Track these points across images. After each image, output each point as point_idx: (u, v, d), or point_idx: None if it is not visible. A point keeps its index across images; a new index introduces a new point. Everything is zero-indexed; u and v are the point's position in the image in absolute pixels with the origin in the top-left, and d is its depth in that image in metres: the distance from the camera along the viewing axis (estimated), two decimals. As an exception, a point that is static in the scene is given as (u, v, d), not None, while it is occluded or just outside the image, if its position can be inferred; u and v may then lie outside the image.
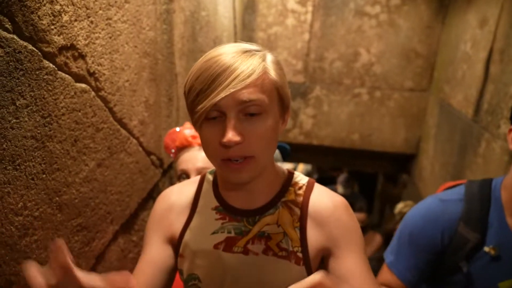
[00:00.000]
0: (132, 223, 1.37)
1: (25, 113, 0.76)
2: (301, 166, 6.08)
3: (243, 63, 0.72)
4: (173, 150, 1.32)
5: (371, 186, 5.95)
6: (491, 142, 2.17)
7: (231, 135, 0.70)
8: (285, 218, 0.83)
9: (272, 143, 0.77)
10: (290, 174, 0.88)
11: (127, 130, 1.24)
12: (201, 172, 1.20)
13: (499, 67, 2.18)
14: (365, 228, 4.28)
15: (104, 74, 1.05)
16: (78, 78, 0.94)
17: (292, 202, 0.84)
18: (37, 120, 0.79)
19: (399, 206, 2.88)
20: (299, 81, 3.48)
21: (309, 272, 0.80)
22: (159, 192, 1.63)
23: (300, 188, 0.86)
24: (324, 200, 0.83)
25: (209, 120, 0.73)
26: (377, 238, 3.89)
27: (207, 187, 0.90)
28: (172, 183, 1.81)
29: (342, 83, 3.45)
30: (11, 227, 0.74)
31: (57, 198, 0.88)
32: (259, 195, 0.84)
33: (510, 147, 1.24)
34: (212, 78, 0.71)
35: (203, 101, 0.71)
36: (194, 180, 0.94)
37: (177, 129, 1.34)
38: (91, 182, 1.03)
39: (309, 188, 0.86)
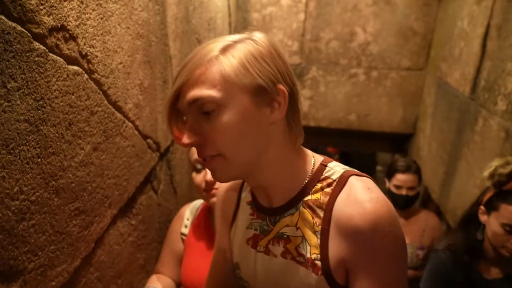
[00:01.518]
0: (131, 207, 1.37)
1: (17, 96, 0.74)
2: None
3: (193, 59, 0.68)
4: None
5: (369, 166, 5.99)
6: (488, 119, 2.17)
7: (185, 138, 0.69)
8: (305, 220, 0.74)
9: (245, 138, 0.69)
10: (322, 167, 0.76)
11: (122, 113, 1.22)
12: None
13: (496, 43, 2.16)
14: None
15: (96, 56, 1.03)
16: (70, 60, 0.92)
17: (314, 203, 0.74)
18: (30, 103, 0.78)
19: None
20: (295, 62, 3.45)
21: (331, 283, 0.71)
22: (156, 176, 1.62)
23: (329, 185, 0.73)
24: (352, 205, 0.69)
25: (184, 122, 0.72)
26: None
27: None
28: (169, 167, 1.80)
29: (339, 64, 3.42)
30: (8, 212, 0.73)
31: (53, 182, 0.87)
32: (277, 193, 0.77)
33: None
34: (174, 78, 0.71)
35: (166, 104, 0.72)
36: None
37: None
38: (88, 166, 1.02)
39: (340, 184, 0.72)
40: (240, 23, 3.42)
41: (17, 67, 0.73)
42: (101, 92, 1.08)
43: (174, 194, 1.88)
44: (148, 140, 1.47)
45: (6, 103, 0.71)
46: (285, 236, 0.77)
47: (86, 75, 0.99)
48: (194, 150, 1.25)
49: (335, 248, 0.70)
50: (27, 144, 0.78)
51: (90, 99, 1.02)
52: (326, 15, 3.32)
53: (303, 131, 0.77)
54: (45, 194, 0.85)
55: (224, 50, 0.68)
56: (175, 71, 1.79)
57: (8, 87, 0.72)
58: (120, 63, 1.18)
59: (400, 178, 2.23)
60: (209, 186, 1.29)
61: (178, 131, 0.74)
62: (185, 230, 1.46)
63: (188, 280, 1.37)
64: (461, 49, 2.63)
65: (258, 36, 0.72)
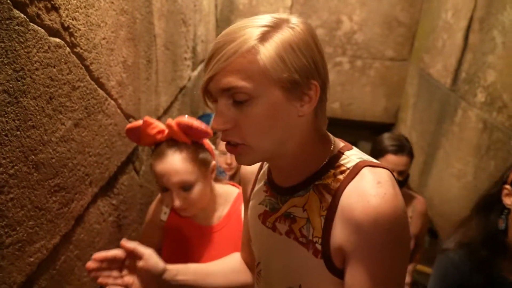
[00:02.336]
0: (112, 187, 1.35)
1: (-4, 65, 0.72)
2: None
3: (230, 43, 0.65)
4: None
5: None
6: (467, 111, 2.22)
7: (215, 123, 0.68)
8: (312, 203, 0.74)
9: (271, 130, 0.68)
10: (339, 154, 0.76)
11: (105, 90, 1.20)
12: (180, 185, 1.17)
13: (478, 36, 2.20)
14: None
15: (79, 29, 1.00)
16: (52, 32, 0.89)
17: (325, 187, 0.74)
18: (9, 73, 0.75)
19: None
20: (280, 48, 3.43)
21: (330, 268, 0.72)
22: (138, 156, 1.60)
23: (342, 172, 0.73)
24: (358, 196, 0.68)
25: (215, 103, 0.71)
26: None
27: None
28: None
29: (324, 52, 3.43)
30: (-15, 184, 0.71)
31: (33, 157, 0.85)
32: (292, 174, 0.78)
33: None
34: (208, 58, 0.68)
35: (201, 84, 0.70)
36: None
37: (140, 121, 1.21)
38: (68, 142, 1.00)
39: (352, 173, 0.71)
40: (227, 6, 3.37)
41: (-4, 35, 0.71)
42: (83, 67, 1.05)
43: (156, 176, 1.87)
44: (131, 120, 1.45)
45: (-16, 72, 0.69)
46: (291, 216, 0.78)
47: (68, 48, 0.96)
48: (158, 172, 1.18)
49: (337, 234, 0.70)
50: (5, 115, 0.76)
51: (72, 74, 0.99)
52: (313, 2, 3.31)
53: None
54: (24, 168, 0.83)
55: (263, 38, 0.66)
56: (159, 51, 1.76)
57: (-13, 55, 0.69)
58: (103, 39, 1.15)
59: (392, 160, 1.82)
60: (180, 210, 1.23)
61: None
62: (165, 217, 1.39)
63: None
64: (444, 41, 2.67)
65: (297, 22, 0.69)
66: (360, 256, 0.67)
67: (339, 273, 0.72)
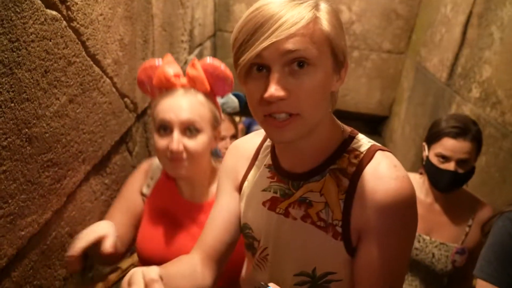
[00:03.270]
0: (105, 165, 1.35)
1: (-9, 34, 0.70)
2: None
3: (290, 11, 0.64)
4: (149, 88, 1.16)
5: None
6: (461, 105, 2.23)
7: (273, 90, 0.65)
8: (330, 187, 0.76)
9: (322, 101, 0.70)
10: (351, 138, 0.79)
11: (101, 68, 1.18)
12: (186, 125, 1.07)
13: (476, 31, 2.20)
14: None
15: (76, 3, 0.98)
16: (48, 4, 0.87)
17: (341, 171, 0.76)
18: (4, 43, 0.74)
19: None
20: (278, 36, 3.41)
21: (348, 249, 0.75)
22: (132, 137, 1.60)
23: (356, 156, 0.76)
24: (377, 179, 0.71)
25: (253, 73, 0.68)
26: None
27: (268, 143, 0.89)
28: (146, 130, 1.77)
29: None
30: (-22, 155, 0.71)
31: (26, 130, 0.84)
32: (307, 159, 0.78)
33: None
34: (255, 28, 0.65)
35: (245, 52, 0.66)
36: (263, 132, 0.90)
37: (156, 62, 1.14)
38: (63, 118, 0.99)
39: (367, 157, 0.74)
40: (225, -10, 3.34)
41: (-8, 3, 0.69)
42: (79, 42, 1.04)
43: (149, 157, 1.86)
44: (126, 99, 1.44)
45: (-21, 40, 0.68)
46: (307, 201, 0.79)
47: (64, 22, 0.95)
48: (162, 107, 1.07)
49: (356, 216, 0.73)
50: (0, 86, 0.74)
51: (68, 48, 0.98)
52: (312, -10, 3.28)
53: None
54: (17, 141, 0.82)
55: (319, 9, 0.67)
56: (156, 31, 1.74)
57: (-18, 23, 0.68)
58: (101, 15, 1.13)
59: (449, 145, 1.43)
60: (175, 155, 1.08)
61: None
62: (147, 191, 1.25)
63: (146, 250, 1.18)
64: (442, 35, 2.67)
65: (325, 3, 0.70)
66: (380, 234, 0.71)
67: (353, 252, 0.76)
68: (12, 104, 0.79)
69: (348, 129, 0.81)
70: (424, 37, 3.03)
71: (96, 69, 1.16)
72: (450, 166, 1.42)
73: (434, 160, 1.47)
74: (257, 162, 0.90)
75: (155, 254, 1.16)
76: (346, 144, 0.78)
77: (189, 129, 1.08)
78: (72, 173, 1.08)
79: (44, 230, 0.98)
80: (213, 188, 1.22)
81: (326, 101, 0.72)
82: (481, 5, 2.20)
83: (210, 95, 1.15)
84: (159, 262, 1.08)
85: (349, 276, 0.78)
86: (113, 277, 1.20)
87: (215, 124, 1.15)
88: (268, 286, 0.63)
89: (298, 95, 0.67)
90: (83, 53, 1.06)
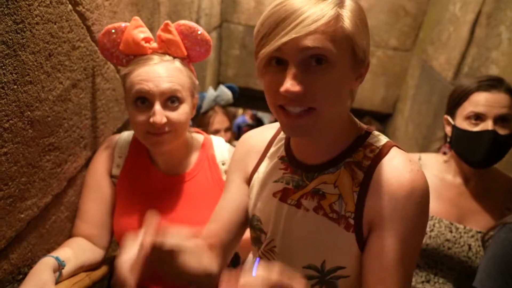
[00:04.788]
0: (106, 152, 1.34)
1: (-4, 14, 0.70)
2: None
3: (313, 7, 0.65)
4: (115, 53, 1.05)
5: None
6: (466, 105, 2.22)
7: (289, 84, 0.67)
8: (344, 180, 0.77)
9: (338, 97, 0.71)
10: (367, 133, 0.80)
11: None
12: (168, 96, 0.99)
13: (485, 30, 2.18)
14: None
15: (82, -13, 0.98)
16: (55, -13, 0.87)
17: (356, 165, 0.77)
18: (9, 24, 0.74)
19: None
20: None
21: (359, 241, 0.76)
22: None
23: (372, 151, 0.77)
24: (392, 172, 0.73)
25: (272, 66, 0.70)
26: None
27: (282, 135, 0.90)
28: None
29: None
30: (-21, 135, 0.71)
31: (28, 113, 0.84)
32: (322, 152, 0.80)
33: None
34: (277, 22, 0.66)
35: (266, 46, 0.68)
36: (276, 125, 0.92)
37: (123, 24, 1.03)
38: (65, 102, 0.98)
39: (383, 152, 0.76)
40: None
41: (-3, -17, 0.69)
42: (84, 27, 1.03)
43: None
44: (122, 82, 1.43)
45: (-16, 20, 0.67)
46: (320, 192, 0.80)
47: (70, 5, 0.94)
48: (138, 76, 0.99)
49: (369, 208, 0.74)
50: (3, 67, 0.74)
51: (73, 32, 0.97)
52: (321, -16, 3.25)
53: None
54: (19, 123, 0.82)
55: (342, 6, 0.67)
56: (162, 19, 1.73)
57: (-13, 3, 0.67)
58: (107, 0, 1.13)
59: (482, 99, 1.15)
60: (157, 129, 1.00)
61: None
62: (117, 171, 1.13)
63: (127, 233, 1.07)
64: (450, 34, 2.65)
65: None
66: (393, 225, 0.72)
67: (363, 247, 0.77)
68: (15, 86, 0.78)
69: (365, 126, 0.83)
70: (431, 35, 3.00)
71: (101, 55, 1.15)
72: (487, 125, 1.13)
73: (465, 124, 1.18)
74: (268, 154, 0.90)
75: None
76: (362, 139, 0.79)
77: (171, 100, 1.00)
78: (73, 158, 1.07)
79: (44, 213, 0.98)
80: (192, 158, 1.16)
81: (343, 98, 0.73)
82: (490, 4, 2.17)
83: (186, 61, 1.08)
84: None
85: (357, 273, 0.78)
86: (97, 273, 1.09)
87: (194, 91, 1.09)
88: (258, 259, 0.63)
89: (314, 91, 0.68)
90: (88, 38, 1.06)
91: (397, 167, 0.73)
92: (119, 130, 1.40)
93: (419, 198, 0.72)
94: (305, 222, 0.81)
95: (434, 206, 1.24)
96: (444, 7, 2.84)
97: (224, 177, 1.14)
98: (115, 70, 1.28)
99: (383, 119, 3.74)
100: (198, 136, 1.22)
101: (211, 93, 2.02)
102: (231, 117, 1.76)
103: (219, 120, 1.73)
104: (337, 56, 0.67)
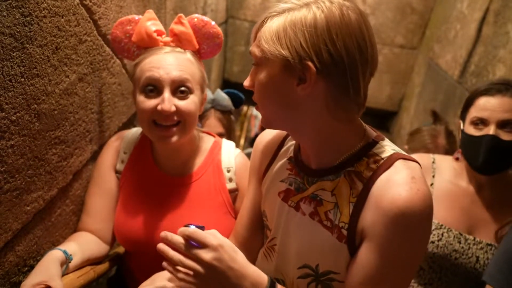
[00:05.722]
0: (111, 146, 1.35)
1: (4, 6, 0.70)
2: None
3: (260, 17, 0.76)
4: (126, 45, 1.05)
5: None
6: (473, 104, 2.20)
7: (246, 80, 0.80)
8: (342, 189, 0.76)
9: (269, 98, 0.76)
10: (374, 143, 0.77)
11: (111, 48, 1.18)
12: (178, 84, 0.97)
13: (492, 29, 2.17)
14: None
15: (90, -19, 0.98)
16: (62, -20, 0.87)
17: (357, 175, 0.75)
18: (17, 17, 0.74)
19: None
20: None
21: (352, 252, 0.74)
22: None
23: (376, 162, 0.74)
24: (390, 187, 0.69)
25: None
26: None
27: None
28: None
29: (364, 40, 3.40)
30: (-13, 127, 0.71)
31: (35, 106, 0.84)
32: (318, 157, 0.79)
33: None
34: None
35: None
36: None
37: (136, 17, 1.03)
38: (72, 96, 0.99)
39: (386, 164, 0.72)
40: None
41: (5, -25, 0.69)
42: (91, 21, 1.03)
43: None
44: (131, 73, 1.43)
45: (-8, 12, 0.67)
46: (318, 198, 0.79)
47: (77, -1, 0.94)
48: (148, 64, 0.98)
49: (363, 221, 0.72)
50: (11, 60, 0.74)
51: (80, 26, 0.97)
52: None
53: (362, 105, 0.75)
54: (26, 116, 0.82)
55: (280, 12, 0.72)
56: (168, 14, 1.73)
57: (-5, -5, 0.67)
58: (114, -6, 1.13)
59: (484, 103, 1.14)
60: (164, 118, 0.98)
61: None
62: (122, 167, 1.13)
63: (124, 232, 1.09)
64: (457, 32, 2.63)
65: (325, 2, 0.69)
66: (380, 240, 0.69)
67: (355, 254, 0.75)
68: (22, 79, 0.79)
69: (374, 133, 0.80)
70: (438, 32, 2.98)
71: (107, 49, 1.15)
72: (489, 130, 1.11)
73: (470, 129, 1.17)
74: (280, 153, 0.91)
75: (134, 236, 1.08)
76: (367, 148, 0.76)
77: (180, 89, 0.98)
78: (79, 152, 1.08)
79: (49, 207, 0.99)
80: (197, 160, 1.13)
81: (277, 100, 0.75)
82: (498, 2, 2.15)
83: (197, 55, 1.07)
84: (138, 244, 1.08)
85: None
86: (101, 267, 1.09)
87: (203, 86, 1.07)
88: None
89: (255, 89, 0.78)
90: (95, 32, 1.06)
91: (396, 183, 0.69)
92: (125, 125, 1.40)
93: (411, 219, 0.67)
94: (301, 225, 0.81)
95: (445, 214, 1.22)
96: (452, 4, 2.81)
97: (228, 184, 1.12)
98: (121, 65, 1.28)
99: (388, 117, 3.73)
100: (208, 138, 1.18)
101: (208, 95, 1.96)
102: (228, 124, 1.66)
103: (210, 123, 1.65)
104: (262, 59, 0.74)
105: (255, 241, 0.98)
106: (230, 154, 1.15)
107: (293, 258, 0.83)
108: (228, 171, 1.13)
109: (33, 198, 0.90)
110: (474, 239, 1.20)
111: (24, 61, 0.78)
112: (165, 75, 0.96)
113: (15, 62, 0.76)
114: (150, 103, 0.98)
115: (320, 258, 0.79)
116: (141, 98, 1.00)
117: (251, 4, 3.42)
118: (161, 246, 0.74)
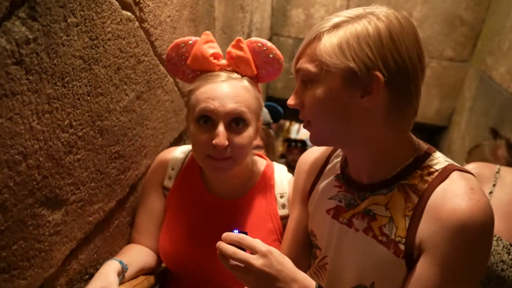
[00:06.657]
0: (163, 161, 1.40)
1: (75, 31, 0.76)
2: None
3: (311, 32, 0.75)
4: (180, 65, 1.02)
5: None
6: (531, 118, 2.09)
7: (289, 99, 0.80)
8: (397, 202, 0.74)
9: (328, 113, 0.74)
10: (426, 154, 0.76)
11: (165, 67, 1.24)
12: (233, 117, 0.93)
13: (552, 39, 2.06)
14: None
15: (148, 5, 1.04)
16: (124, 5, 0.93)
17: (411, 187, 0.73)
18: (86, 41, 0.80)
19: None
20: (334, 41, 3.38)
21: (409, 267, 0.72)
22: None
23: (430, 174, 0.73)
24: (449, 198, 0.67)
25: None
26: None
27: (339, 152, 0.91)
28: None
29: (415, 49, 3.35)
30: (58, 143, 0.77)
31: (99, 122, 0.90)
32: (370, 171, 0.79)
33: None
34: None
35: None
36: None
37: (193, 38, 1.00)
38: (130, 113, 1.05)
39: (441, 176, 0.71)
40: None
41: (77, 3, 0.75)
42: (148, 42, 1.09)
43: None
44: (185, 98, 1.49)
45: (65, 37, 0.73)
46: (371, 213, 0.78)
47: (137, 22, 1.00)
48: (204, 94, 0.95)
49: (421, 234, 0.70)
50: (79, 80, 0.80)
51: (139, 47, 1.03)
52: (372, -5, 3.22)
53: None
54: (91, 132, 0.88)
55: (335, 27, 0.71)
56: (217, 34, 1.79)
57: (68, 22, 0.74)
58: (169, 16, 1.19)
59: None
60: (217, 152, 0.95)
61: None
62: (169, 184, 1.12)
63: (168, 250, 1.09)
64: (511, 43, 2.52)
65: (380, 13, 0.71)
66: (440, 254, 0.67)
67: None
68: (89, 98, 0.85)
69: (425, 146, 0.79)
70: (491, 44, 2.87)
71: (162, 68, 1.21)
72: None
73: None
74: (325, 171, 0.91)
75: (177, 256, 1.09)
76: (420, 160, 0.75)
77: (236, 122, 0.95)
78: (135, 166, 1.13)
79: (108, 218, 1.04)
80: (250, 184, 1.10)
81: (336, 114, 0.74)
82: (558, 11, 2.05)
83: (254, 80, 1.02)
84: (182, 265, 1.08)
85: None
86: (153, 278, 1.11)
87: (259, 113, 1.03)
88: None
89: (306, 106, 0.77)
90: (151, 52, 1.12)
91: (455, 193, 0.67)
92: (176, 140, 1.46)
93: (472, 231, 0.65)
94: (355, 242, 0.80)
95: (499, 223, 1.15)
96: (505, 15, 2.71)
97: (280, 211, 1.08)
98: (174, 83, 1.34)
99: (437, 132, 3.60)
100: (260, 161, 1.14)
101: None
102: (266, 137, 1.63)
103: None
104: (318, 75, 0.73)
105: (300, 262, 0.94)
106: (283, 179, 1.11)
107: (347, 277, 0.82)
108: (282, 197, 1.09)
109: (94, 209, 0.95)
110: None
111: (90, 81, 0.84)
112: (221, 107, 0.93)
113: (83, 82, 0.82)
114: (204, 136, 0.96)
115: (376, 276, 0.77)
116: (195, 128, 0.98)
117: (295, 21, 3.46)
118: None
